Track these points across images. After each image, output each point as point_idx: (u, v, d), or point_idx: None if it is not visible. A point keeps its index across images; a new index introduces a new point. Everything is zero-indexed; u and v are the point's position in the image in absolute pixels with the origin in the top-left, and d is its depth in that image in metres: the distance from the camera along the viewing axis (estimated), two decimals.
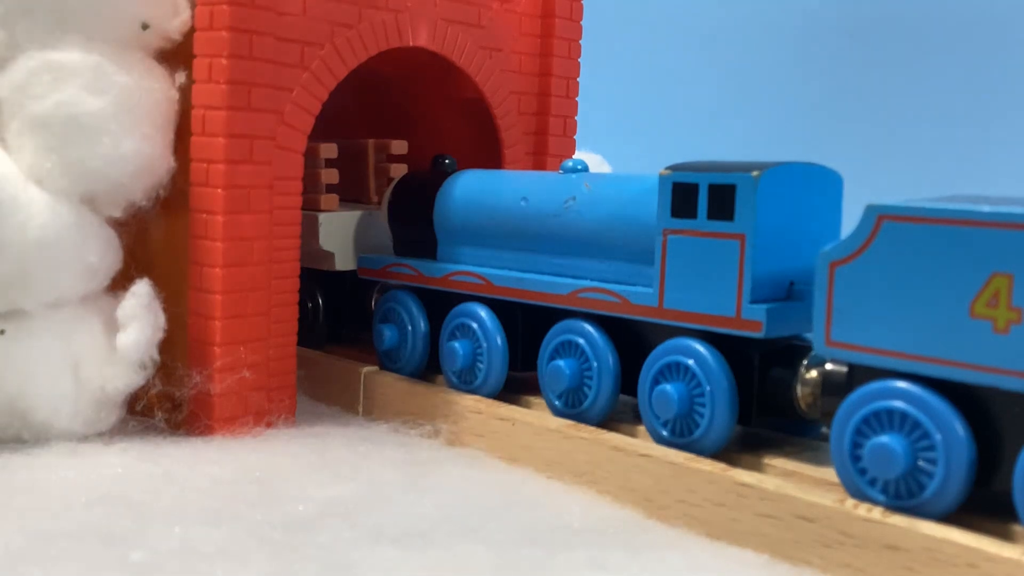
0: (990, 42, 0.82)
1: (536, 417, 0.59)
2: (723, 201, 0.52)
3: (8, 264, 0.55)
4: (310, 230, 0.70)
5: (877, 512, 0.44)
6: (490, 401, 0.63)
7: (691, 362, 0.53)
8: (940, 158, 0.85)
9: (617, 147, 1.02)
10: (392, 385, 0.68)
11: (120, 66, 0.59)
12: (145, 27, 0.60)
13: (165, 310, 0.60)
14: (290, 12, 0.62)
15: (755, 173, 0.51)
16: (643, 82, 1.06)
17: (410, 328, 0.68)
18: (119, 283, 0.61)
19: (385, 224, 0.72)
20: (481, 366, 0.64)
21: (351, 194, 0.77)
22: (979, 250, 0.42)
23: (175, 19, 0.61)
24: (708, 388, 0.52)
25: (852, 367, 0.48)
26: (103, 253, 0.59)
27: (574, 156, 0.78)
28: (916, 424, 0.44)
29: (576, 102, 0.80)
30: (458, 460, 0.59)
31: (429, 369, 0.68)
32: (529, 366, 0.64)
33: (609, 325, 0.58)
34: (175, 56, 0.61)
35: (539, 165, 0.79)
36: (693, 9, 1.02)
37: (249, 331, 0.62)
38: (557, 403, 0.60)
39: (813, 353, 0.51)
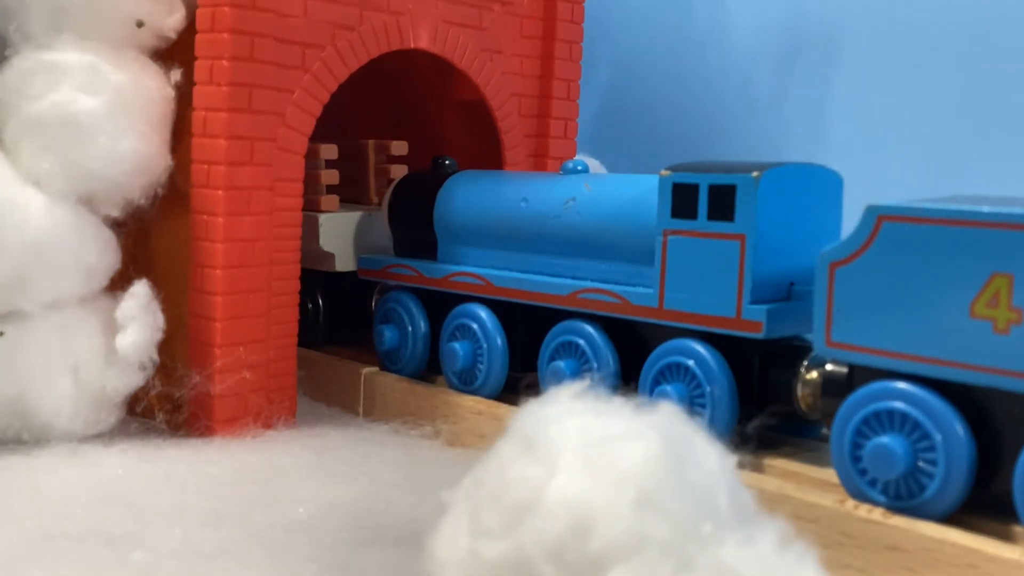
0: (991, 42, 0.82)
1: None
2: (723, 202, 0.52)
3: (7, 265, 0.55)
4: (310, 231, 0.70)
5: (877, 513, 0.44)
6: (490, 401, 0.63)
7: (691, 363, 0.53)
8: (940, 158, 0.85)
9: (615, 149, 1.03)
10: (392, 386, 0.68)
11: (115, 65, 0.59)
12: (140, 25, 0.60)
13: (165, 311, 0.60)
14: (291, 14, 0.62)
15: (755, 174, 0.51)
16: (642, 83, 1.06)
17: (410, 329, 0.68)
18: (118, 284, 0.61)
19: (385, 225, 0.72)
20: (481, 367, 0.64)
21: (351, 195, 0.77)
22: (979, 250, 0.42)
23: (170, 17, 0.61)
24: (708, 389, 0.52)
25: (852, 368, 0.48)
26: (101, 254, 0.59)
27: (575, 158, 0.78)
28: (916, 425, 0.44)
29: (577, 104, 0.81)
30: (458, 460, 0.59)
31: (429, 370, 0.68)
32: (529, 367, 0.64)
33: (609, 326, 0.58)
34: (170, 54, 0.62)
35: (540, 167, 0.79)
36: (689, 10, 1.02)
37: (249, 332, 0.62)
38: None
39: (813, 354, 0.51)
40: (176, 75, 0.61)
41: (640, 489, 0.30)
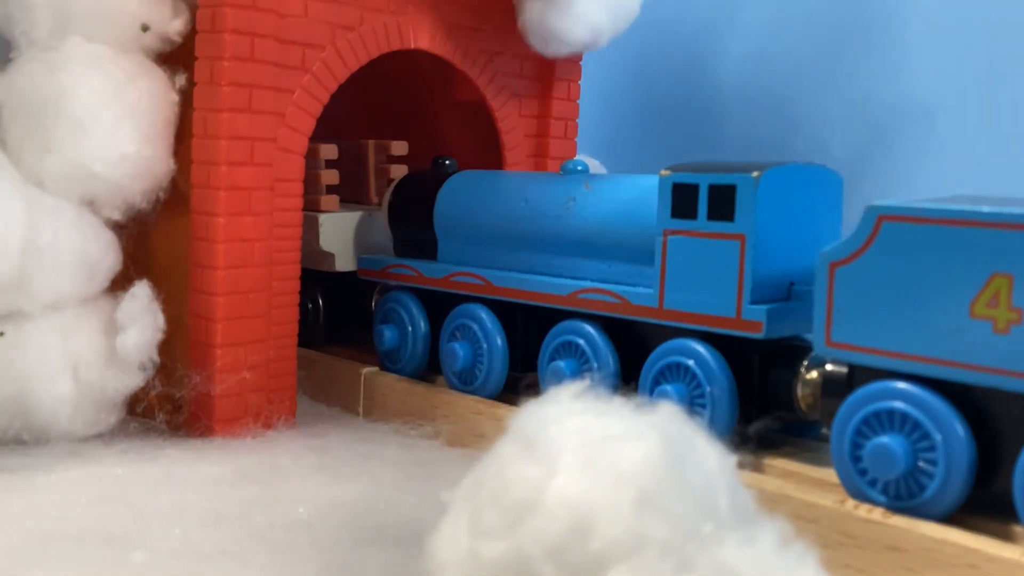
0: (991, 41, 0.82)
1: None
2: (723, 202, 0.52)
3: (7, 266, 0.55)
4: (310, 231, 0.70)
5: (877, 513, 0.44)
6: (490, 402, 0.63)
7: (691, 363, 0.53)
8: (941, 158, 0.85)
9: (615, 149, 1.03)
10: (392, 386, 0.68)
11: (120, 68, 0.59)
12: (145, 29, 0.60)
13: (165, 312, 0.60)
14: (291, 14, 0.62)
15: (755, 173, 0.51)
16: (643, 83, 1.06)
17: (410, 329, 0.68)
18: (118, 285, 0.61)
19: (385, 225, 0.72)
20: (481, 367, 0.64)
21: (351, 195, 0.77)
22: (979, 250, 0.42)
23: (174, 21, 0.61)
24: (708, 389, 0.52)
25: (852, 368, 0.48)
26: (102, 255, 0.59)
27: (575, 158, 0.78)
28: (916, 425, 0.44)
29: (577, 105, 0.80)
30: (458, 461, 0.59)
31: (429, 370, 0.68)
32: (529, 367, 0.64)
33: (609, 326, 0.58)
34: (175, 58, 0.62)
35: (540, 167, 0.79)
36: (692, 9, 1.02)
37: (249, 332, 0.62)
38: None
39: (813, 354, 0.51)
40: (180, 79, 0.61)
41: (640, 489, 0.30)
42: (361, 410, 0.69)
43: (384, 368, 0.70)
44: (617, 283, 0.58)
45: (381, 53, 0.67)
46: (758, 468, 0.52)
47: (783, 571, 0.30)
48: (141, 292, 0.59)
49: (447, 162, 0.72)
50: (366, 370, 0.69)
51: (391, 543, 0.45)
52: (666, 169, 0.55)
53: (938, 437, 0.43)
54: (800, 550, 0.31)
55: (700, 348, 0.53)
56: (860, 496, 0.46)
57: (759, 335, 0.51)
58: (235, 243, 0.61)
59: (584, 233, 0.60)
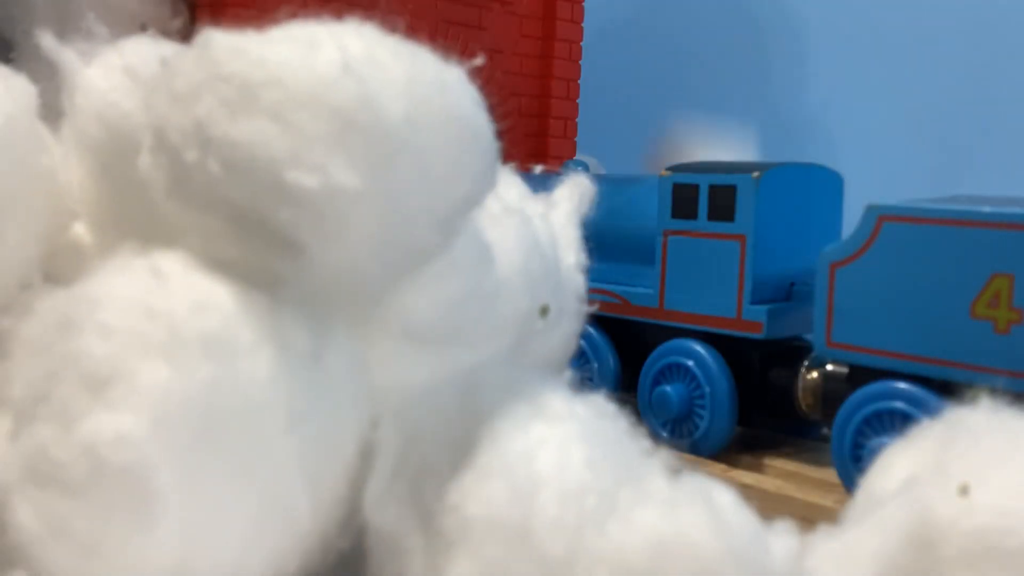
0: (992, 41, 0.82)
1: None
2: (723, 202, 0.52)
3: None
4: None
5: None
6: None
7: (691, 363, 0.53)
8: (940, 158, 0.85)
9: (615, 149, 1.03)
10: None
11: None
12: (144, 28, 0.60)
13: None
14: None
15: (755, 174, 0.51)
16: (644, 82, 1.06)
17: None
18: None
19: None
20: None
21: None
22: (979, 251, 0.42)
23: (174, 20, 0.61)
24: (708, 389, 0.52)
25: (853, 368, 0.48)
26: None
27: (575, 157, 0.78)
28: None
29: (577, 104, 0.80)
30: None
31: None
32: None
33: (610, 326, 0.58)
34: None
35: None
36: (694, 6, 1.02)
37: None
38: None
39: (814, 354, 0.51)
40: None
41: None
42: None
43: None
44: (617, 283, 0.58)
45: None
46: (758, 468, 0.52)
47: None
48: None
49: None
50: None
51: None
52: (666, 169, 0.55)
53: None
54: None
55: (700, 348, 0.53)
56: None
57: (759, 335, 0.51)
58: None
59: (584, 233, 0.60)
